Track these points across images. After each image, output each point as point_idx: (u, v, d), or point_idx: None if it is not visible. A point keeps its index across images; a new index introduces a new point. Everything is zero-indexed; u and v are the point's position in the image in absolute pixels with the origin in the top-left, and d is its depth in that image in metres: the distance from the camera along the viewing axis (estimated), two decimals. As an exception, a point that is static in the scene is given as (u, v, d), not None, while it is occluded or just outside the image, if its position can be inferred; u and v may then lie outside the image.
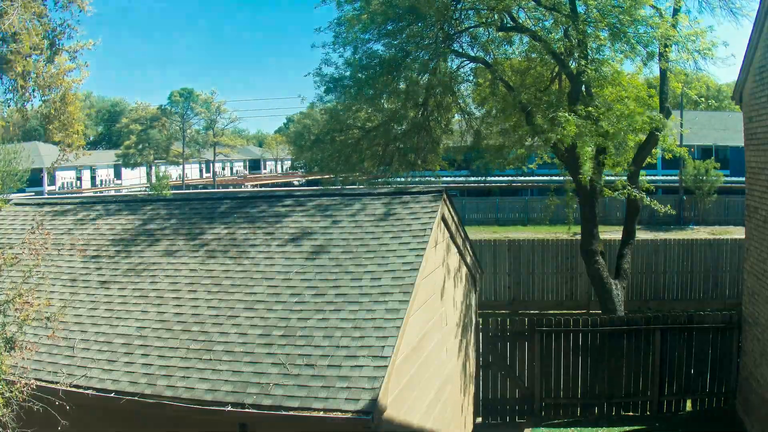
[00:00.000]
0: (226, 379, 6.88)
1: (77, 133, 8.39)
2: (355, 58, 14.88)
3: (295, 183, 71.38)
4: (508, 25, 14.54)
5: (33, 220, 9.67)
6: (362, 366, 6.77)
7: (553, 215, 19.60)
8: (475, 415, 12.99)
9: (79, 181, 64.71)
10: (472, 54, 15.54)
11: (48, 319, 6.91)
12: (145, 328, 7.86)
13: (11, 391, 6.21)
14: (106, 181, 68.45)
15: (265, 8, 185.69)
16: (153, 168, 67.03)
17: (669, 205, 16.47)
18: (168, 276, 8.79)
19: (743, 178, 12.87)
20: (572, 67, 13.95)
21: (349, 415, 6.28)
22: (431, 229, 8.64)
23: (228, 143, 72.52)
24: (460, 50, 15.38)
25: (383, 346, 6.96)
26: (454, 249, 10.56)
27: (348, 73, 15.18)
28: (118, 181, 69.70)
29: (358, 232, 8.96)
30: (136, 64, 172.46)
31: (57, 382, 7.04)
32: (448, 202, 9.66)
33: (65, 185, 61.81)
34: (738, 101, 12.55)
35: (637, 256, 20.10)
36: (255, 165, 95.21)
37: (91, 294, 8.69)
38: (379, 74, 14.49)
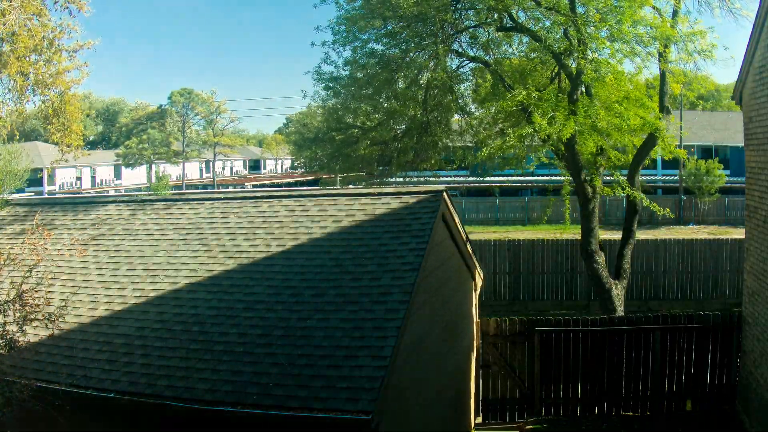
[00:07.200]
0: (226, 379, 6.88)
1: (76, 134, 8.37)
2: (355, 57, 14.89)
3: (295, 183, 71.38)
4: (508, 25, 14.54)
5: (33, 220, 9.67)
6: (362, 366, 6.77)
7: (553, 215, 19.62)
8: (475, 415, 12.99)
9: (79, 181, 64.69)
10: (472, 54, 15.55)
11: (48, 319, 6.91)
12: (145, 328, 7.86)
13: (11, 391, 6.21)
14: (106, 181, 68.43)
15: (265, 8, 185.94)
16: (153, 168, 67.01)
17: (668, 208, 16.48)
18: (168, 276, 8.80)
19: (743, 178, 12.86)
20: (572, 67, 13.96)
21: (349, 415, 6.28)
22: (431, 228, 8.63)
23: (228, 143, 72.52)
24: (460, 50, 15.38)
25: (383, 346, 6.95)
26: (454, 248, 10.55)
27: (347, 72, 15.19)
28: (118, 181, 69.66)
29: (357, 232, 8.95)
30: (136, 64, 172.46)
31: (57, 382, 7.04)
32: (448, 202, 9.64)
33: (65, 185, 61.79)
34: (738, 101, 12.55)
35: (637, 256, 20.08)
36: (255, 165, 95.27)
37: (91, 294, 8.70)
38: (378, 73, 14.49)
